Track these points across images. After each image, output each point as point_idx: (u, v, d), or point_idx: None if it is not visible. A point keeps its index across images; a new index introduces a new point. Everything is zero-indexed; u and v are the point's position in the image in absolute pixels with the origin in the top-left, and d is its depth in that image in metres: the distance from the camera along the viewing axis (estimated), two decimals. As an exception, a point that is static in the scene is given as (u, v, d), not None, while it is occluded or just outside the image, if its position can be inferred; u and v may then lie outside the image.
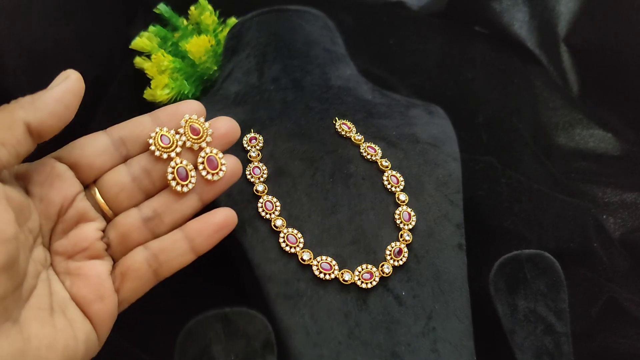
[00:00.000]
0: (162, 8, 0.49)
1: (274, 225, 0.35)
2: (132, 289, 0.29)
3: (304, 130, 0.39)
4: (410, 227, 0.37)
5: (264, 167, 0.37)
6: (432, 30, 0.53)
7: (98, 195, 0.29)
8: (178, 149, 0.29)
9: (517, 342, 0.35)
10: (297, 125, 0.39)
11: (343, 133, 0.39)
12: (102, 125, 0.43)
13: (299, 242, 0.35)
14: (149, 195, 0.30)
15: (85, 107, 0.43)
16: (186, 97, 0.46)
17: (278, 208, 0.36)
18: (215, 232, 0.29)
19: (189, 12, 0.50)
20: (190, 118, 0.29)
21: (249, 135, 0.38)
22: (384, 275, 0.35)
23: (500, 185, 0.43)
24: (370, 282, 0.34)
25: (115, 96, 0.46)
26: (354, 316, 0.34)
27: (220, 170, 0.30)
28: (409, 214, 0.37)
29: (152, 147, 0.29)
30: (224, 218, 0.29)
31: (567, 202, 0.43)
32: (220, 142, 0.30)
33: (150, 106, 0.45)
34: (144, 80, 0.46)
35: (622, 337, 0.40)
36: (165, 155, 0.29)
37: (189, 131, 0.29)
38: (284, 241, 0.35)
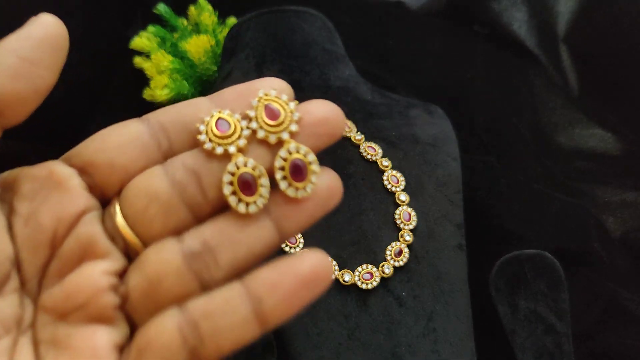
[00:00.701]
0: (161, 8, 0.49)
1: (274, 226, 0.35)
2: None
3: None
4: (411, 227, 0.36)
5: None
6: (431, 30, 0.53)
7: (118, 214, 0.19)
8: (242, 141, 0.19)
9: (518, 342, 0.35)
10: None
11: (343, 133, 0.39)
12: (101, 126, 0.43)
13: (299, 243, 0.35)
14: (197, 215, 0.19)
15: (83, 107, 0.43)
16: (185, 98, 0.46)
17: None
18: (300, 289, 0.18)
19: (188, 12, 0.50)
20: (266, 94, 0.19)
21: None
22: (385, 275, 0.35)
23: (500, 185, 0.43)
24: (371, 283, 0.34)
25: (115, 96, 0.45)
26: (354, 317, 0.34)
27: (310, 182, 0.19)
28: (409, 214, 0.37)
29: (202, 137, 0.19)
30: (314, 265, 0.18)
31: (567, 202, 0.43)
32: (313, 135, 0.19)
33: (150, 106, 0.45)
34: (143, 80, 0.46)
35: (623, 337, 0.40)
36: (220, 150, 0.19)
37: (263, 114, 0.19)
38: (284, 241, 0.35)
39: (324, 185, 0.19)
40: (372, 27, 0.54)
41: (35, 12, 0.39)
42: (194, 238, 0.18)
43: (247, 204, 0.18)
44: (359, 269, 0.35)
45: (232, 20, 0.50)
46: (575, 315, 0.37)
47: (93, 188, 0.19)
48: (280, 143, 0.19)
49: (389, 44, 0.53)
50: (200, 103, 0.20)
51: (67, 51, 0.19)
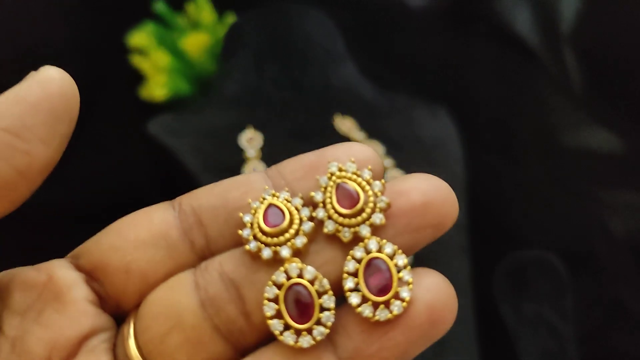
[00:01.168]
0: (159, 6, 0.49)
1: (274, 227, 0.35)
2: None
3: (303, 130, 0.39)
4: (413, 228, 0.36)
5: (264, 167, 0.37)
6: (433, 29, 0.53)
7: (131, 340, 0.14)
8: (300, 240, 0.14)
9: (521, 345, 0.35)
10: (296, 125, 0.39)
11: (343, 133, 0.39)
12: (98, 124, 0.42)
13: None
14: (237, 346, 0.14)
15: (80, 106, 0.43)
16: (183, 96, 0.45)
17: (278, 209, 0.36)
18: None
19: (187, 10, 0.49)
20: (340, 169, 0.14)
21: (248, 135, 0.38)
22: (386, 277, 0.34)
23: (503, 187, 0.43)
24: (372, 285, 0.34)
25: (112, 95, 0.45)
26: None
27: (400, 299, 0.14)
28: (411, 215, 0.36)
29: (246, 233, 0.14)
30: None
31: (571, 203, 0.42)
32: (408, 229, 0.14)
33: (148, 105, 0.45)
34: (141, 78, 0.46)
35: (627, 339, 0.40)
36: (268, 253, 0.14)
37: (334, 196, 0.14)
38: (284, 242, 0.34)
39: (424, 301, 0.13)
40: (372, 26, 0.54)
41: (30, 11, 0.39)
42: None
43: (299, 333, 0.13)
44: (361, 270, 0.34)
45: (231, 19, 0.50)
46: (579, 316, 0.37)
47: (105, 299, 0.15)
48: (357, 239, 0.13)
49: (390, 43, 0.53)
50: (254, 181, 0.15)
51: (76, 115, 0.16)
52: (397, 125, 0.41)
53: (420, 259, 0.36)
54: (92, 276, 0.15)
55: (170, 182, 0.40)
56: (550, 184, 0.44)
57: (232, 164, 0.37)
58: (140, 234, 0.15)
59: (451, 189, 0.14)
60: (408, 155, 0.39)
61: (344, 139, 0.39)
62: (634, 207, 0.43)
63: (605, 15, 0.47)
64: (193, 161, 0.36)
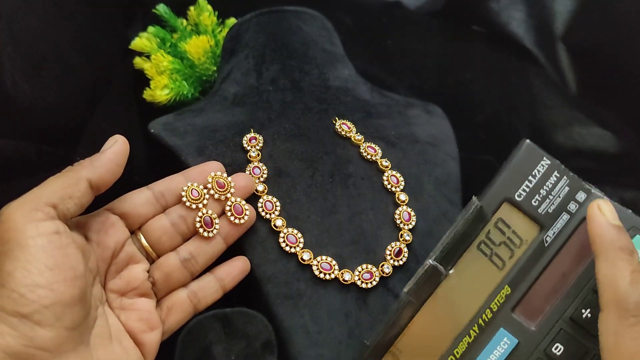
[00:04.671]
0: (161, 9, 0.49)
1: (274, 225, 0.35)
2: (176, 320, 0.33)
3: (302, 130, 0.39)
4: (410, 227, 0.37)
5: (264, 167, 0.37)
6: (430, 30, 0.53)
7: (143, 240, 0.33)
8: (205, 201, 0.34)
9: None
10: (296, 126, 0.39)
11: (343, 133, 0.39)
12: (101, 126, 0.43)
13: (299, 242, 0.35)
14: (185, 239, 0.34)
15: (84, 108, 0.43)
16: (185, 98, 0.46)
17: (278, 208, 0.36)
18: (239, 274, 0.35)
19: (188, 12, 0.50)
20: (215, 174, 0.35)
21: (248, 136, 0.38)
22: (384, 275, 0.35)
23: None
24: (370, 282, 0.35)
25: (114, 97, 0.45)
26: (354, 316, 0.34)
27: (245, 215, 0.34)
28: (409, 214, 0.37)
29: (184, 199, 0.33)
30: (244, 263, 0.35)
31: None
32: (242, 193, 0.35)
33: (149, 106, 0.45)
34: (143, 80, 0.46)
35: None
36: (194, 206, 0.34)
37: (216, 185, 0.34)
38: (284, 241, 0.35)
39: (251, 215, 0.35)
40: (371, 27, 0.54)
41: (33, 13, 0.39)
42: (185, 251, 0.34)
43: (208, 232, 0.34)
44: (359, 268, 0.35)
45: (231, 21, 0.50)
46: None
47: (128, 226, 0.33)
48: (226, 199, 0.35)
49: (388, 44, 0.53)
50: (177, 178, 0.34)
51: (129, 153, 0.32)
52: (395, 125, 0.41)
53: (419, 257, 0.36)
54: (121, 217, 0.32)
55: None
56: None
57: (233, 164, 0.37)
58: (140, 199, 0.33)
59: (253, 180, 0.36)
60: (405, 154, 0.39)
61: (344, 139, 0.39)
62: (629, 204, 0.44)
63: (598, 15, 0.47)
64: (194, 161, 0.36)
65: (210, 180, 0.34)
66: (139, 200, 0.33)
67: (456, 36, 0.53)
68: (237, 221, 0.34)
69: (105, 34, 0.47)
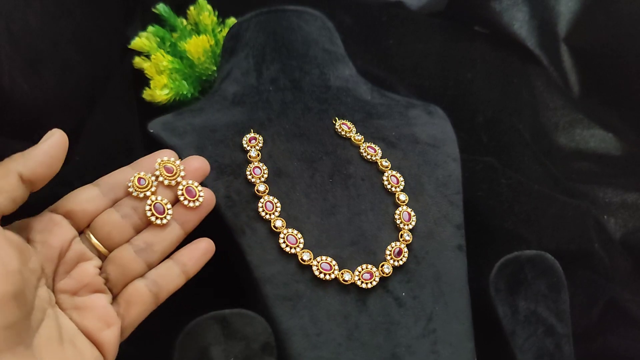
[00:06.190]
0: (161, 8, 0.49)
1: (274, 226, 0.35)
2: (136, 313, 0.32)
3: (302, 130, 0.39)
4: (410, 227, 0.36)
5: (265, 167, 0.37)
6: (431, 30, 0.53)
7: (92, 238, 0.32)
8: (153, 188, 0.33)
9: (518, 344, 0.35)
10: (296, 126, 0.39)
11: (343, 133, 0.39)
12: (100, 125, 0.43)
13: (299, 243, 0.35)
14: (137, 230, 0.33)
15: (83, 107, 0.43)
16: (185, 97, 0.46)
17: (278, 208, 0.36)
18: (202, 255, 0.33)
19: (188, 12, 0.50)
20: (162, 160, 0.33)
21: (248, 136, 0.38)
22: (384, 275, 0.35)
23: (500, 186, 0.43)
24: (370, 282, 0.34)
25: (114, 96, 0.45)
26: (354, 318, 0.34)
27: (199, 197, 0.33)
28: (409, 214, 0.37)
29: (130, 189, 0.32)
30: (207, 244, 0.33)
31: (567, 203, 0.42)
32: (195, 176, 0.34)
33: (149, 106, 0.45)
34: (142, 80, 0.46)
35: (623, 338, 0.40)
36: (142, 195, 0.32)
37: (164, 171, 0.33)
38: (284, 242, 0.35)
39: (206, 198, 0.33)
40: (372, 27, 0.54)
41: (32, 11, 0.39)
42: (139, 240, 0.32)
43: (161, 219, 0.32)
44: (359, 268, 0.35)
45: (231, 20, 0.50)
46: (576, 316, 0.37)
47: (74, 224, 0.32)
48: (177, 183, 0.33)
49: (389, 44, 0.53)
50: (125, 170, 0.33)
51: (67, 147, 0.30)
52: (395, 125, 0.41)
53: (419, 257, 0.36)
54: (66, 216, 0.31)
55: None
56: (547, 184, 0.44)
57: (233, 164, 0.37)
58: (84, 196, 0.32)
59: (207, 162, 0.34)
60: (405, 155, 0.39)
61: (344, 139, 0.39)
62: (631, 206, 0.43)
63: (601, 16, 0.47)
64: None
65: (157, 167, 0.33)
66: (84, 197, 0.32)
67: (458, 37, 0.52)
68: (191, 204, 0.33)
69: (105, 33, 0.47)
